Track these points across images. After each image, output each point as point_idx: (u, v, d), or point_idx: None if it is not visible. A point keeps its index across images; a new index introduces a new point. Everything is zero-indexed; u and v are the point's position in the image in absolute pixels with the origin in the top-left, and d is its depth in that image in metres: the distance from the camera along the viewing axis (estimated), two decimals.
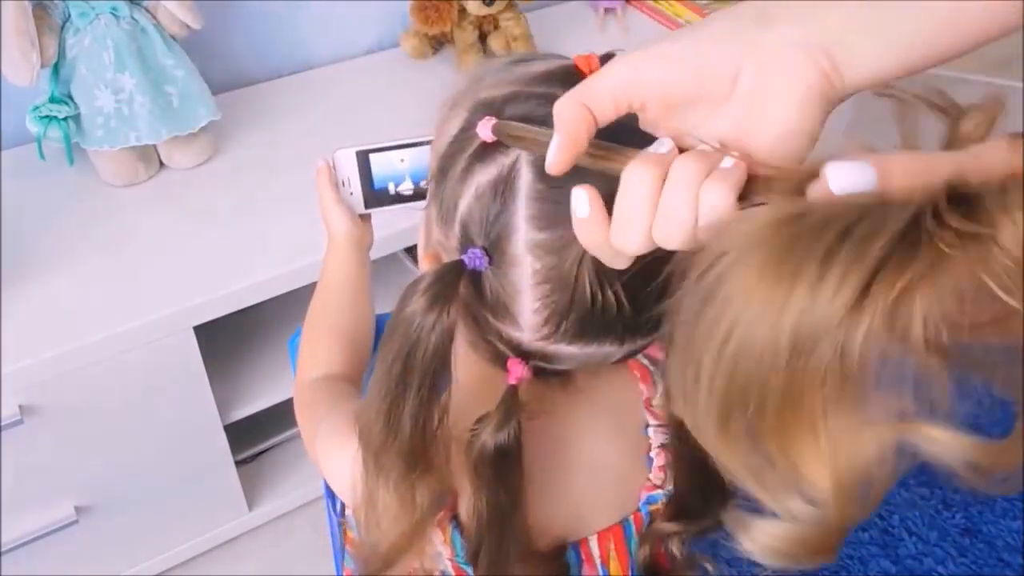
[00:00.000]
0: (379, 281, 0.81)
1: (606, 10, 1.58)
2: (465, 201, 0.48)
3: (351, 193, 0.73)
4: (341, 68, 1.45)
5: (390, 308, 0.81)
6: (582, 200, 0.38)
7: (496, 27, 1.44)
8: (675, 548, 0.61)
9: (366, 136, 0.74)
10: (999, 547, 1.34)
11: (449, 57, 1.46)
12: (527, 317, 0.48)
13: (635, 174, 0.36)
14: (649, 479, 0.60)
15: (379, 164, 0.72)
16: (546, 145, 0.42)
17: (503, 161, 0.47)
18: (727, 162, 0.36)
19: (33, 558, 1.10)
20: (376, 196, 0.73)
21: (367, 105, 1.34)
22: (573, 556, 0.59)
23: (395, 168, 0.72)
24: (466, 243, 0.48)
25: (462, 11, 1.38)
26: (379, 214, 0.75)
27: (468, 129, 0.48)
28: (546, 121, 0.45)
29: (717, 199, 0.34)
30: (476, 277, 0.48)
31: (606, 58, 0.49)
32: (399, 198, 0.73)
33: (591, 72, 0.47)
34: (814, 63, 0.35)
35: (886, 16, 0.35)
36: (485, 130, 0.46)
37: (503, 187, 0.46)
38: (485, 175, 0.47)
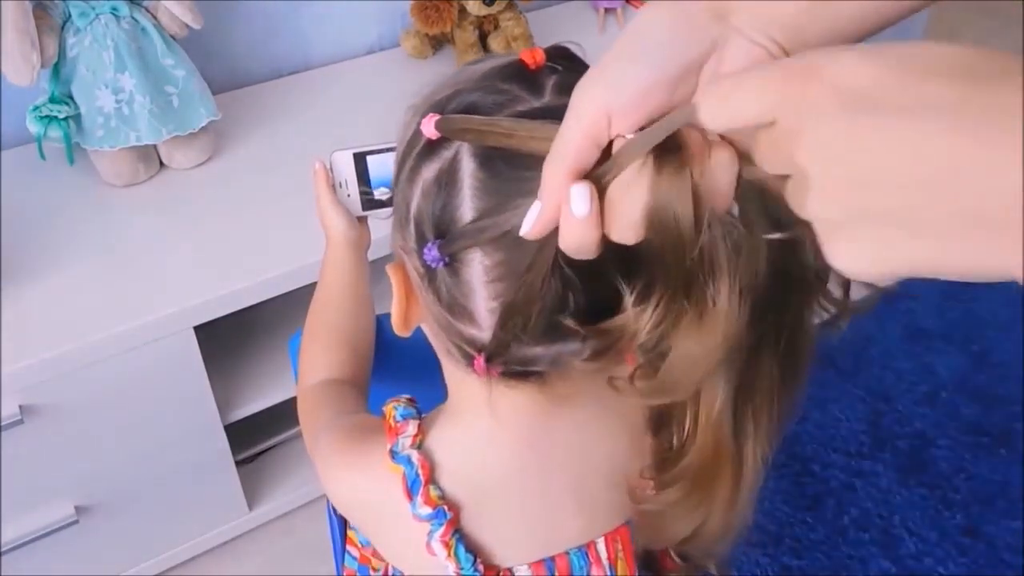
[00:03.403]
0: (378, 281, 0.81)
1: (606, 10, 1.58)
2: (415, 201, 0.47)
3: (348, 195, 0.73)
4: (341, 68, 1.45)
5: (390, 308, 0.82)
6: (583, 197, 0.36)
7: (496, 27, 1.44)
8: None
9: (366, 136, 0.74)
10: (999, 547, 1.34)
11: (449, 57, 1.46)
12: (483, 316, 0.47)
13: (637, 160, 0.36)
14: None
15: (376, 166, 0.72)
16: (490, 134, 0.42)
17: (446, 155, 0.46)
18: (713, 135, 0.36)
19: (33, 558, 1.10)
20: (373, 198, 0.73)
21: (367, 105, 1.34)
22: (581, 559, 0.59)
23: (392, 170, 0.72)
24: (421, 242, 0.47)
25: (462, 11, 1.39)
26: (377, 215, 0.75)
27: (417, 131, 0.48)
28: (487, 111, 0.45)
29: (726, 160, 0.35)
30: (432, 276, 0.48)
31: (552, 50, 0.48)
32: None
33: (536, 66, 0.47)
34: (768, 50, 0.37)
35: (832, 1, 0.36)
36: (429, 127, 0.45)
37: (445, 179, 0.46)
38: (430, 171, 0.47)
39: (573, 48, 0.49)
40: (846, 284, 0.40)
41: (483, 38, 1.44)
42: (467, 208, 0.45)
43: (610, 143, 0.37)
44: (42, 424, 1.00)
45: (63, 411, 1.01)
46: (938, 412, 1.54)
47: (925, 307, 1.73)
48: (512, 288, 0.45)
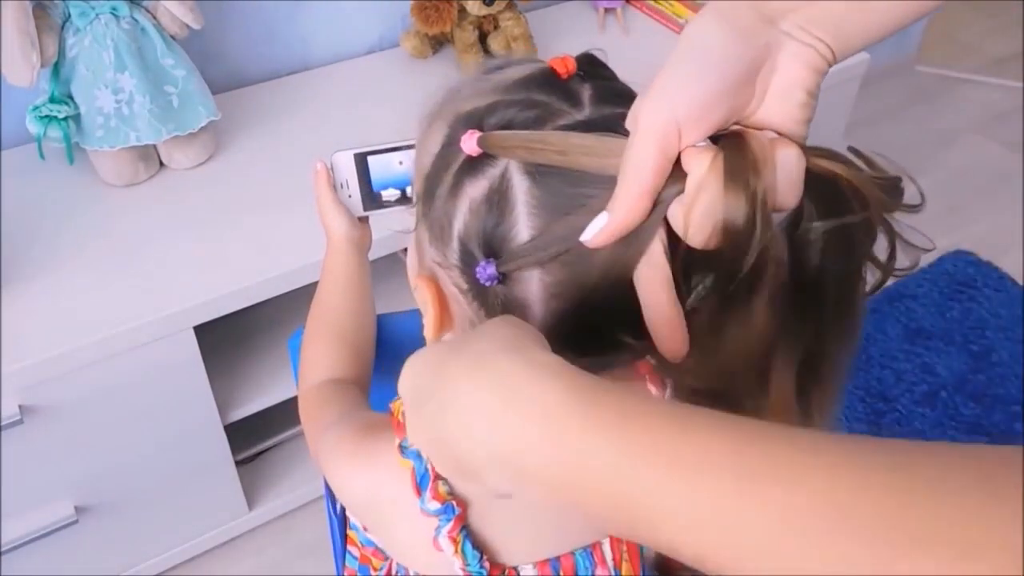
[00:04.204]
0: (379, 281, 0.81)
1: (606, 10, 1.59)
2: (460, 218, 0.46)
3: (349, 195, 0.73)
4: (341, 68, 1.45)
5: (390, 308, 0.82)
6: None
7: (496, 27, 1.44)
8: None
9: (366, 137, 0.74)
10: None
11: (449, 57, 1.46)
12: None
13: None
14: None
15: (377, 166, 0.72)
16: (542, 152, 0.42)
17: (492, 172, 0.45)
18: (769, 133, 0.39)
19: (33, 558, 1.10)
20: (375, 198, 0.73)
21: (367, 105, 1.34)
22: (586, 559, 0.59)
23: (394, 170, 0.72)
24: (468, 259, 0.47)
25: (462, 11, 1.39)
26: (378, 216, 0.75)
27: (451, 145, 0.47)
28: (528, 126, 0.45)
29: (794, 156, 0.37)
30: (480, 292, 0.47)
31: (582, 59, 0.48)
32: (398, 200, 0.73)
33: (567, 74, 0.46)
34: (816, 49, 0.39)
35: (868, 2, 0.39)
36: (470, 144, 0.44)
37: (497, 199, 0.45)
38: (477, 189, 0.46)
39: (598, 54, 0.49)
40: (891, 247, 0.41)
41: (483, 38, 1.44)
42: (523, 227, 0.44)
43: (678, 156, 0.38)
44: (42, 424, 1.00)
45: (63, 411, 1.01)
46: (938, 412, 1.54)
47: (925, 307, 1.74)
48: (570, 306, 0.45)
